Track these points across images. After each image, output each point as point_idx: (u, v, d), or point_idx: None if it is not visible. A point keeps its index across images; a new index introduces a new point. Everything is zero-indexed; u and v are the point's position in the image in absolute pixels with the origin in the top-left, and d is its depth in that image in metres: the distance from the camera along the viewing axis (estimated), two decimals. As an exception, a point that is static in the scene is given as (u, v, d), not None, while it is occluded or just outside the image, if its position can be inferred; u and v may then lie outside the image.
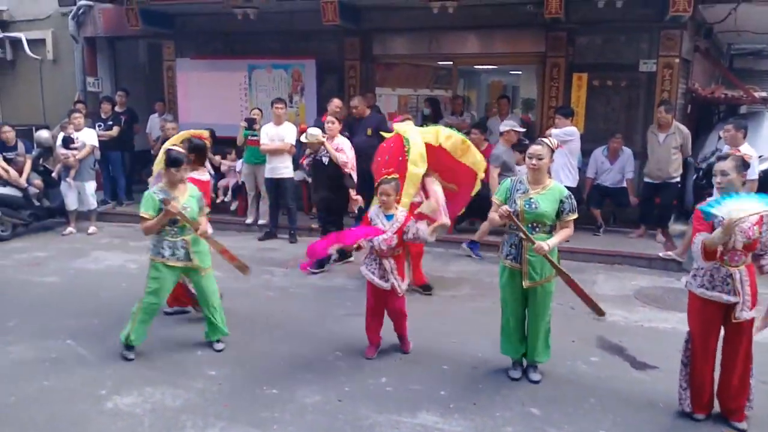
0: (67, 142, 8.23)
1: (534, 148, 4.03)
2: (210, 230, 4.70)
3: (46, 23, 11.20)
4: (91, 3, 10.33)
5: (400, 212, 4.42)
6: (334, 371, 4.35)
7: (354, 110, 8.07)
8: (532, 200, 3.98)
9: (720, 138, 7.62)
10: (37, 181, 8.32)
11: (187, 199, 4.46)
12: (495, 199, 4.17)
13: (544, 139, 4.14)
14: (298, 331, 5.02)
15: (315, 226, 8.31)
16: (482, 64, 12.40)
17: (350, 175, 6.50)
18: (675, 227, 8.01)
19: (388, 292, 4.39)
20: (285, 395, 3.98)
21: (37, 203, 8.36)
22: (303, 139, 6.37)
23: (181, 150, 4.54)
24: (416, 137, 5.37)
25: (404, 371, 4.34)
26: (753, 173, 6.11)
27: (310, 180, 7.38)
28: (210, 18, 9.76)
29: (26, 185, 8.18)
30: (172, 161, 4.38)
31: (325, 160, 6.42)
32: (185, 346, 4.74)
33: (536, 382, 4.18)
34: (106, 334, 4.91)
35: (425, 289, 6.00)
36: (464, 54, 9.28)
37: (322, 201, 6.71)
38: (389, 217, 4.35)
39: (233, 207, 8.92)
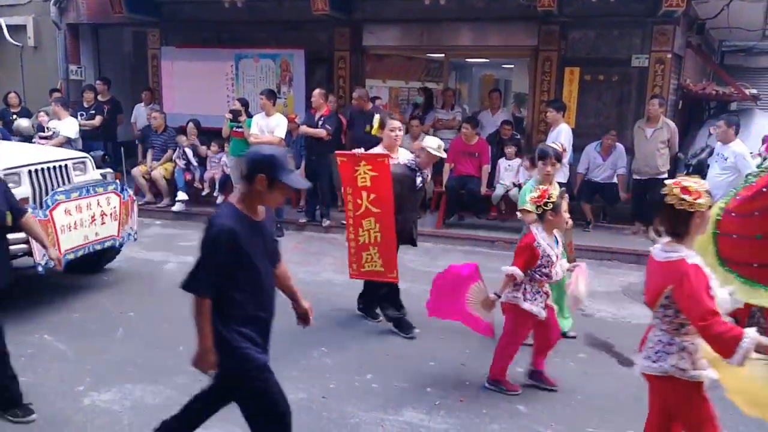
0: (39, 131, 8.14)
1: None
2: None
3: (26, 8, 10.93)
4: (73, -11, 10.12)
5: (559, 236, 4.02)
6: (320, 368, 4.27)
7: (354, 102, 7.91)
8: None
9: (710, 134, 7.60)
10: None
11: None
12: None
13: (552, 145, 4.37)
14: (283, 327, 4.90)
15: (303, 220, 8.23)
16: (474, 57, 12.33)
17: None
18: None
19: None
20: (268, 393, 3.89)
21: None
22: (434, 151, 4.63)
23: (551, 144, 4.70)
24: None
25: (390, 368, 4.28)
26: (749, 168, 6.09)
27: None
28: (196, 6, 9.59)
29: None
30: (540, 155, 4.47)
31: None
32: (167, 343, 4.61)
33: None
34: (85, 328, 4.79)
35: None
36: (456, 46, 9.19)
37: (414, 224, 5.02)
38: (556, 242, 3.93)
39: (219, 200, 8.77)
